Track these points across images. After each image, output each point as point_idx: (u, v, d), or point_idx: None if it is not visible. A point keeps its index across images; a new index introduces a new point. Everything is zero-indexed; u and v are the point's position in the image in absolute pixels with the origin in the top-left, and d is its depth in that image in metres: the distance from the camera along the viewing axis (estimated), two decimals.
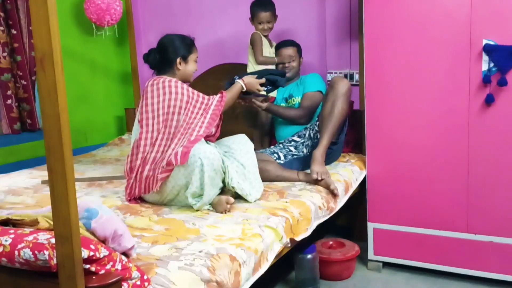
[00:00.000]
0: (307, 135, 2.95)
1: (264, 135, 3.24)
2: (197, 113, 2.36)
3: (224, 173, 2.22)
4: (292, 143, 2.98)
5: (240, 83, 2.58)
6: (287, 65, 3.11)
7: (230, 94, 2.51)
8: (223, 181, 2.24)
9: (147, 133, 2.34)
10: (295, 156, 2.91)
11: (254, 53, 3.10)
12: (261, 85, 2.77)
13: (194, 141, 2.22)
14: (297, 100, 3.08)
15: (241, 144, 2.48)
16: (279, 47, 3.14)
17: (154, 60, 2.49)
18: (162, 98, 2.34)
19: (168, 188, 2.23)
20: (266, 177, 2.60)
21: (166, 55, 2.47)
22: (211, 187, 2.16)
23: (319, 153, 2.61)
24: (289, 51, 3.10)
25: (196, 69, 2.55)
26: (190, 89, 2.41)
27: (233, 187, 2.25)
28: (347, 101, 2.70)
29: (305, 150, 2.93)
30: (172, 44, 2.47)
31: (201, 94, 2.42)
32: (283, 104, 3.12)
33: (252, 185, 2.36)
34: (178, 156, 2.14)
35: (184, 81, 2.48)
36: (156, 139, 2.32)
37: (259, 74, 2.85)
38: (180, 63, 2.46)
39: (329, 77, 3.43)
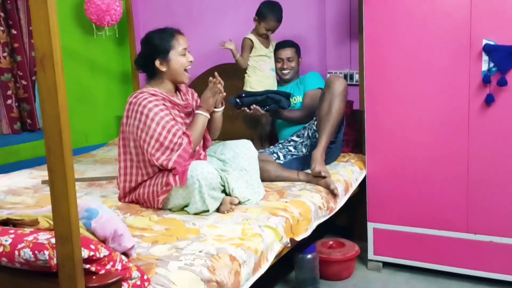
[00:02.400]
0: (305, 134, 2.95)
1: (264, 135, 3.24)
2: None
3: (224, 186, 2.21)
4: (292, 143, 2.98)
5: (202, 114, 2.28)
6: (285, 66, 3.10)
7: (196, 132, 2.26)
8: (224, 191, 2.24)
9: (125, 154, 2.31)
10: (294, 156, 2.91)
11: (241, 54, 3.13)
12: (262, 104, 2.81)
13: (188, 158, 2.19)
14: (298, 99, 3.08)
15: (245, 149, 2.45)
16: (277, 48, 3.14)
17: (139, 64, 2.32)
18: (132, 122, 2.21)
19: (168, 206, 2.22)
20: (266, 177, 2.60)
21: (145, 59, 2.28)
22: (213, 201, 2.15)
23: (319, 153, 2.61)
24: (287, 51, 3.10)
25: (190, 61, 2.29)
26: (162, 123, 2.15)
27: (236, 197, 2.26)
28: (344, 100, 2.70)
29: (304, 150, 2.93)
30: (149, 45, 2.26)
31: (168, 135, 2.14)
32: None
33: (255, 191, 2.36)
34: (177, 177, 2.12)
35: (175, 80, 2.30)
36: (135, 162, 2.28)
37: (262, 93, 2.87)
38: (161, 64, 2.24)
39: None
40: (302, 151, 2.94)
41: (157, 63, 2.24)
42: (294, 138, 3.00)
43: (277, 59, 3.14)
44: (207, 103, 2.30)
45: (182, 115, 2.33)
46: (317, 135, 2.76)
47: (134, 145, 2.24)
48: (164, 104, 2.22)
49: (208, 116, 2.31)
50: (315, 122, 2.84)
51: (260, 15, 3.05)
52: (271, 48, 3.16)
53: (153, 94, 2.22)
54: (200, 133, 2.29)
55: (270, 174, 2.65)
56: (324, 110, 2.68)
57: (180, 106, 2.32)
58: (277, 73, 3.17)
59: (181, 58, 2.27)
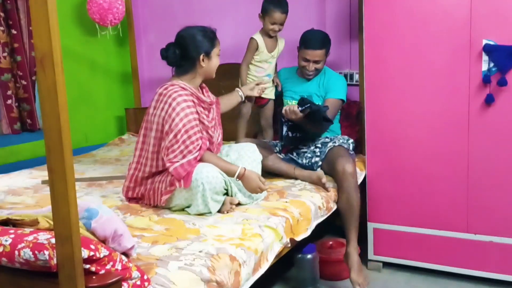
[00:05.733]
0: (312, 148, 2.85)
1: (264, 132, 3.16)
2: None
3: (226, 189, 2.22)
4: (295, 148, 2.93)
5: (237, 171, 2.23)
6: (310, 68, 2.84)
7: (216, 160, 2.25)
8: (227, 193, 2.25)
9: (143, 143, 2.32)
10: (293, 159, 2.87)
11: (244, 56, 2.93)
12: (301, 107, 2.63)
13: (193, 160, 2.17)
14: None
15: (249, 152, 2.46)
16: (306, 45, 2.81)
17: (173, 56, 2.28)
18: (159, 113, 2.23)
19: (170, 204, 2.23)
20: (264, 164, 2.53)
21: (187, 52, 2.27)
22: (215, 203, 2.16)
23: (355, 253, 2.47)
24: (316, 53, 2.79)
25: (219, 63, 2.38)
26: (185, 120, 2.17)
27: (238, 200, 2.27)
28: (357, 184, 2.59)
29: (305, 161, 2.81)
30: (193, 39, 2.28)
31: (186, 136, 2.16)
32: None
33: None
34: (181, 180, 2.13)
35: (206, 77, 2.36)
36: (150, 152, 2.29)
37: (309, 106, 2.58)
38: (203, 60, 2.28)
39: None
40: (302, 161, 2.84)
41: (201, 57, 2.28)
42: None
43: (303, 58, 2.83)
44: (244, 182, 2.25)
45: (206, 112, 2.36)
46: (320, 152, 2.75)
47: (154, 135, 2.26)
48: (193, 101, 2.25)
49: (234, 178, 2.25)
50: (329, 144, 2.77)
51: (263, 10, 2.88)
52: (276, 52, 2.96)
53: (183, 88, 2.25)
54: (217, 167, 2.22)
55: (268, 161, 2.63)
56: (343, 203, 2.55)
57: (206, 103, 2.35)
58: (299, 68, 2.94)
59: (218, 58, 2.37)
